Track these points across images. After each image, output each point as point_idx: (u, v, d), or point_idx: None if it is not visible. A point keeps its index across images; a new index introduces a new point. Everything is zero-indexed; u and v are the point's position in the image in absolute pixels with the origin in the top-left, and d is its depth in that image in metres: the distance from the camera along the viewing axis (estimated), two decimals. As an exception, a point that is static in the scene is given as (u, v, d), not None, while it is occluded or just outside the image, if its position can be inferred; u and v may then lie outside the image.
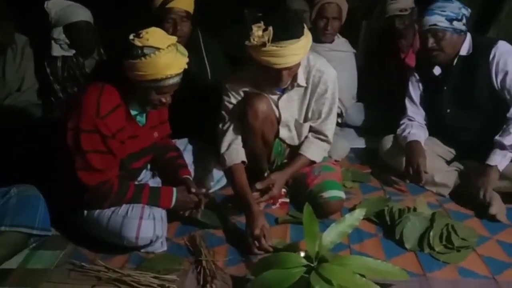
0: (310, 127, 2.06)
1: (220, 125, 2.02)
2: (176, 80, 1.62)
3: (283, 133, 2.05)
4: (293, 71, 1.85)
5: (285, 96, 1.99)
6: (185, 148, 2.11)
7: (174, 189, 1.79)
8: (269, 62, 1.75)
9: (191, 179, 1.90)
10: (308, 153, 2.04)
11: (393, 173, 2.33)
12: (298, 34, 1.72)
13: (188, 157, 2.05)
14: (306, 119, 2.05)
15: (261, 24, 1.69)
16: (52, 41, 2.54)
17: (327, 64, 2.00)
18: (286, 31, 1.70)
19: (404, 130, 2.26)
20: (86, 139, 1.59)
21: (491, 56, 2.02)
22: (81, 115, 1.59)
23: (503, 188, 2.01)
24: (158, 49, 1.54)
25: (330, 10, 2.59)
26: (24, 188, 1.74)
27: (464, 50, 2.08)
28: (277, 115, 2.01)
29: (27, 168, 2.04)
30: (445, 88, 2.15)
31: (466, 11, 2.04)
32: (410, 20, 2.64)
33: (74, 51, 2.60)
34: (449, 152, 2.29)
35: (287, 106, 2.01)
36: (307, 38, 1.77)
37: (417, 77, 2.27)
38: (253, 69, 1.91)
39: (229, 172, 1.96)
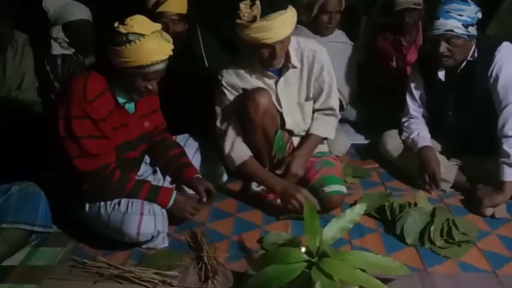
0: (316, 108, 2.10)
1: (218, 123, 2.04)
2: (161, 66, 1.64)
3: (288, 121, 2.06)
4: (285, 45, 1.88)
5: (282, 79, 2.01)
6: (186, 144, 2.10)
7: (175, 191, 1.80)
8: (261, 38, 1.78)
9: (200, 177, 1.92)
10: (318, 131, 2.06)
11: (395, 168, 2.34)
12: (284, 6, 1.78)
13: (190, 153, 2.05)
14: (307, 100, 2.07)
15: (247, 1, 1.74)
16: (52, 40, 2.54)
17: (317, 43, 2.06)
18: (273, 4, 1.75)
19: (410, 130, 2.24)
20: (78, 125, 1.60)
21: (492, 61, 1.97)
22: (70, 102, 1.60)
23: None
24: (142, 35, 1.56)
25: (333, 4, 2.57)
26: (25, 185, 1.74)
27: (471, 54, 2.01)
28: (277, 102, 2.02)
29: (28, 164, 2.05)
30: (449, 92, 2.12)
31: (480, 14, 1.95)
32: (419, 15, 2.62)
33: (73, 50, 2.59)
34: (440, 145, 2.29)
35: (286, 90, 2.03)
36: (292, 11, 1.83)
37: (419, 76, 2.23)
38: (246, 57, 1.95)
39: (243, 168, 2.00)
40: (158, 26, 1.63)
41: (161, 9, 2.13)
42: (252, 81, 2.00)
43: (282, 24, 1.78)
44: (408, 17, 2.61)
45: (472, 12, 1.92)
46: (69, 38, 2.54)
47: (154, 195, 1.75)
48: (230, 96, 2.01)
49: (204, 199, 1.85)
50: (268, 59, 1.88)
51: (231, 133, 2.01)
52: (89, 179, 1.66)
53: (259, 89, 1.95)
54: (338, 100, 2.15)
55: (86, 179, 1.66)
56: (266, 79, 2.01)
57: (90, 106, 1.59)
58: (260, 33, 1.77)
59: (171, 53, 1.65)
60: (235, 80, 2.00)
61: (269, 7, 1.74)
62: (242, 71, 2.00)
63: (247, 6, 1.74)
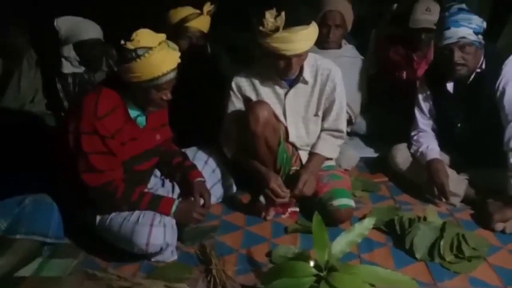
0: (325, 127, 2.12)
1: (223, 122, 2.11)
2: (172, 75, 1.68)
3: (292, 133, 2.09)
4: (301, 59, 1.92)
5: (292, 91, 2.05)
6: (194, 157, 2.12)
7: (177, 200, 1.81)
8: (280, 49, 1.82)
9: (203, 181, 1.93)
10: (324, 151, 2.10)
11: (404, 182, 2.33)
12: (308, 21, 1.81)
13: (199, 166, 2.05)
14: (314, 116, 2.10)
15: (273, 10, 1.77)
16: (63, 59, 2.58)
17: (332, 63, 2.09)
18: (298, 17, 1.78)
19: (419, 144, 2.24)
20: (87, 141, 1.64)
21: (499, 74, 1.98)
22: (80, 117, 1.65)
23: None
24: (150, 48, 1.60)
25: (332, 17, 2.58)
26: (39, 197, 1.77)
27: (479, 66, 2.03)
28: (283, 113, 2.05)
29: (37, 175, 2.07)
30: (457, 104, 2.12)
31: (485, 24, 1.98)
32: (433, 33, 2.61)
33: (84, 68, 2.62)
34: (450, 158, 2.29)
35: (294, 103, 2.06)
36: (315, 26, 1.87)
37: (427, 89, 2.23)
38: (261, 65, 2.01)
39: (236, 158, 2.10)
40: (163, 36, 1.67)
41: (188, 24, 2.25)
42: (261, 89, 2.04)
43: (302, 38, 1.82)
44: (425, 36, 2.57)
45: (479, 21, 1.96)
46: (80, 56, 2.57)
47: (155, 205, 1.75)
48: (234, 97, 2.07)
49: (201, 204, 1.86)
50: (283, 70, 1.93)
51: (229, 131, 2.09)
52: (95, 193, 1.70)
53: (259, 102, 1.99)
54: (346, 122, 2.19)
55: (92, 193, 1.70)
56: (277, 88, 2.05)
57: (100, 122, 1.63)
58: (279, 44, 1.81)
59: (179, 60, 1.69)
60: (244, 84, 2.05)
61: (292, 20, 1.78)
62: (253, 77, 2.05)
63: (272, 15, 1.77)
